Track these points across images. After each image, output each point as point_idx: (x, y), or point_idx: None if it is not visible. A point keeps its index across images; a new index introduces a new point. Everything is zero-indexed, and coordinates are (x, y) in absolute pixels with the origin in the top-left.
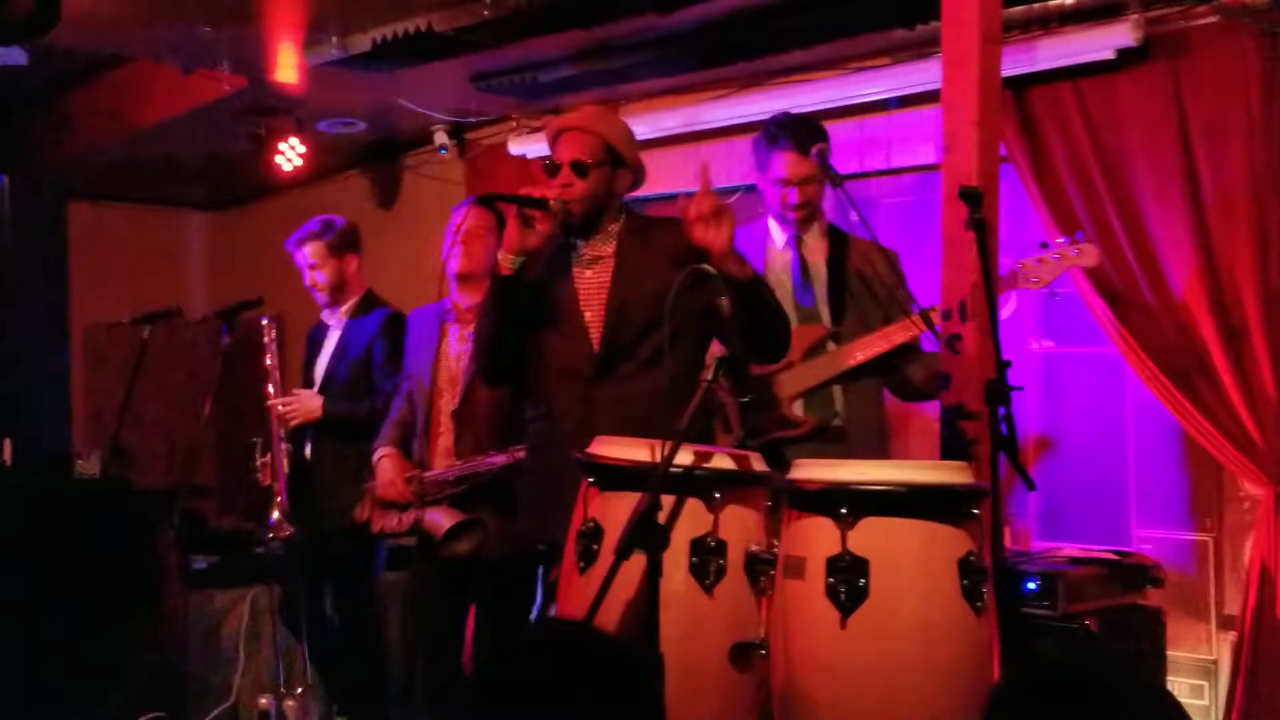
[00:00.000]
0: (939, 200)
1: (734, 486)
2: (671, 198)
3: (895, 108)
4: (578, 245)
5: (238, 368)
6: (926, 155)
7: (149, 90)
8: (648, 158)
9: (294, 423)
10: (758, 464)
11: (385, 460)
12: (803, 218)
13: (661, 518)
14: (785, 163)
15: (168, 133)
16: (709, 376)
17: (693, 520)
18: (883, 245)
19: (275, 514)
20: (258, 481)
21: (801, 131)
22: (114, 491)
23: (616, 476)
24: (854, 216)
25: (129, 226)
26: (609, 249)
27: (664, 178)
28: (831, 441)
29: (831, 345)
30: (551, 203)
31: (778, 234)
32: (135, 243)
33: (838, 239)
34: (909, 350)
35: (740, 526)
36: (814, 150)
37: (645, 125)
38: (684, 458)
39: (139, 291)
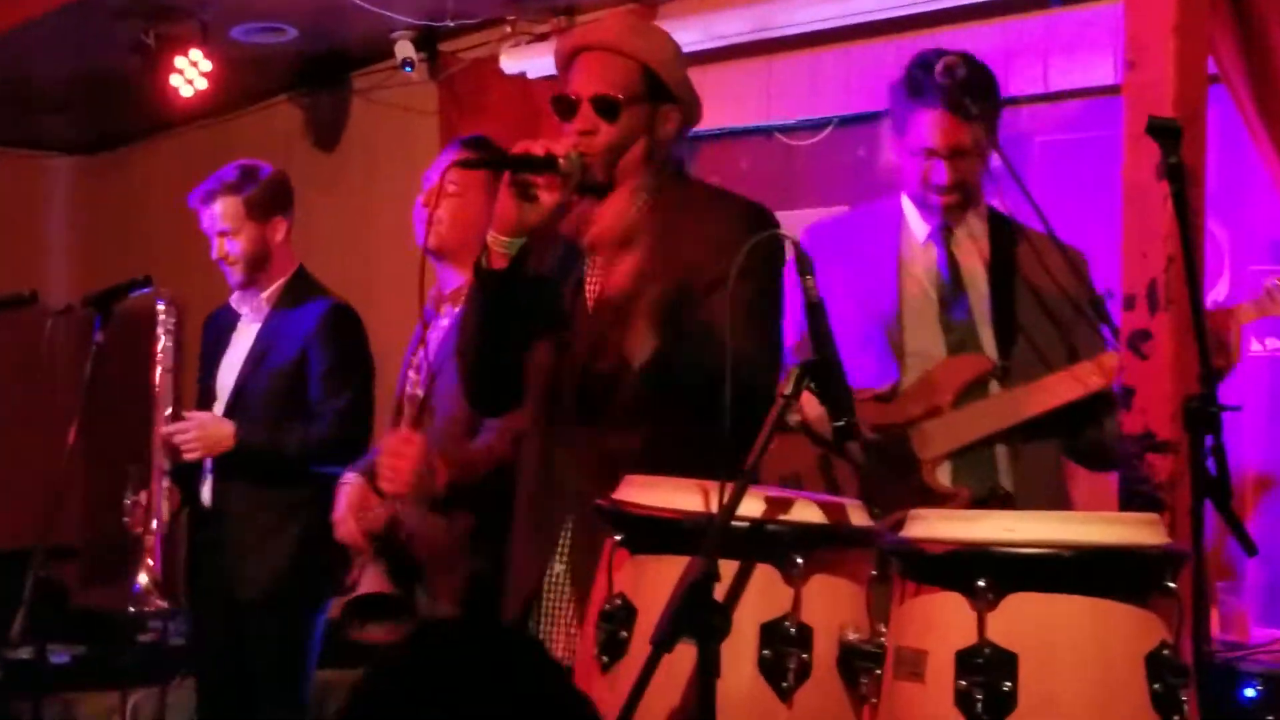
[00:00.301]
0: (1118, 138)
1: (823, 548)
2: (730, 134)
3: (1056, 5)
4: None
5: (116, 376)
6: (1101, 73)
7: None
8: (699, 77)
9: (193, 456)
10: (858, 515)
11: (343, 490)
12: (954, 203)
13: (719, 592)
14: (932, 125)
15: (18, 44)
16: (788, 390)
17: (764, 596)
18: (1063, 241)
19: (142, 577)
20: (126, 528)
21: (962, 84)
22: None
23: (655, 533)
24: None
25: None
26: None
27: (722, 106)
28: None
29: (995, 386)
30: (562, 160)
31: (918, 223)
32: None
33: (1002, 231)
34: (1103, 399)
35: (831, 605)
36: (976, 111)
37: (695, 32)
38: (752, 505)
39: None
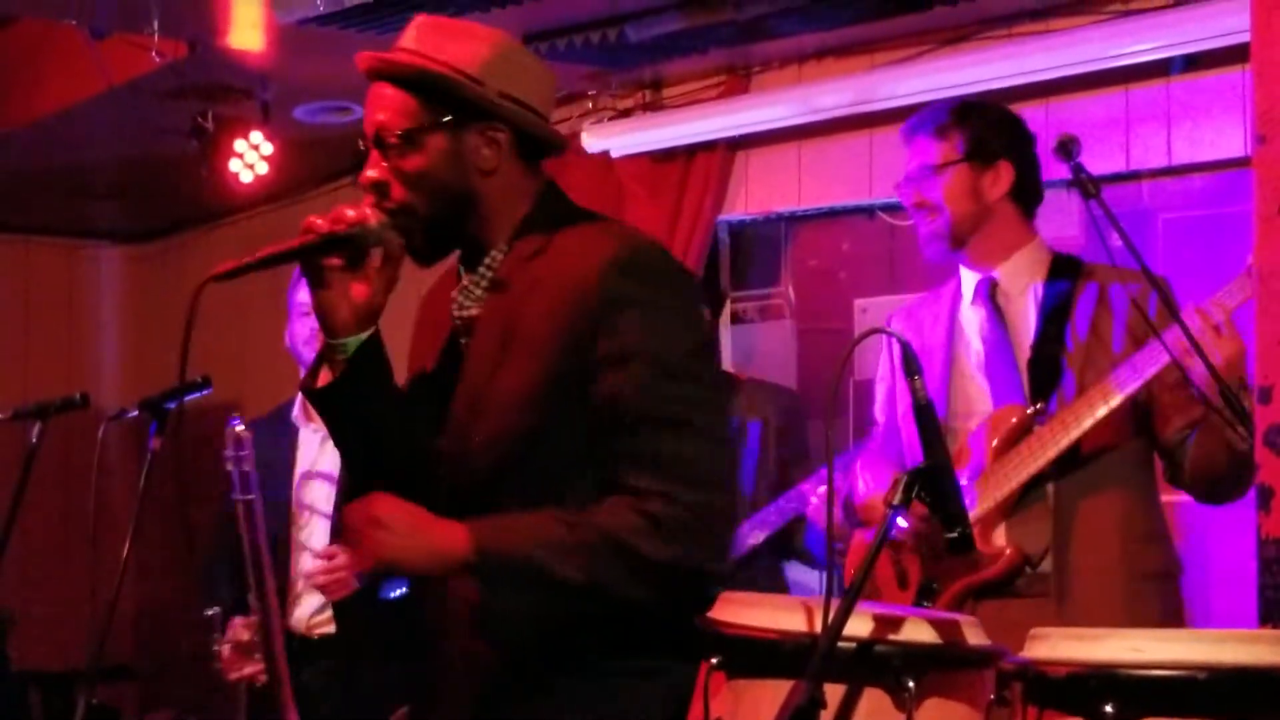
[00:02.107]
0: (1249, 217)
1: (937, 669)
2: (830, 214)
3: (1179, 72)
4: (462, 280)
5: (174, 484)
6: (1229, 145)
7: (39, 65)
8: (796, 153)
9: (338, 595)
10: (974, 634)
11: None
12: (942, 238)
13: None
14: (912, 152)
15: (68, 128)
16: (897, 499)
17: None
18: (1149, 269)
19: None
20: (221, 672)
21: (948, 111)
22: None
23: (753, 655)
24: (1115, 240)
25: (9, 268)
26: (474, 308)
27: (821, 184)
28: (1036, 586)
29: (1039, 429)
30: (354, 228)
31: (968, 281)
32: (16, 294)
33: (1063, 270)
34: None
35: None
36: (1056, 144)
37: (792, 106)
38: (860, 625)
39: (23, 369)
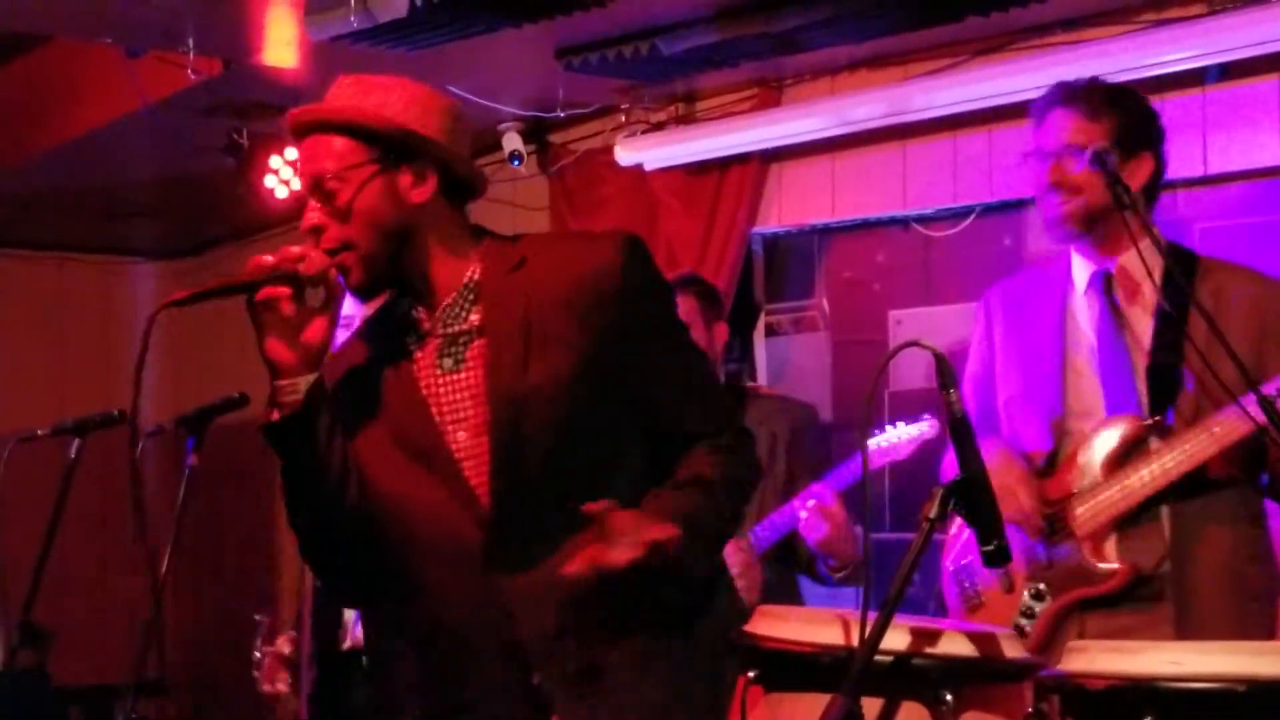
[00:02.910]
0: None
1: (975, 683)
2: (865, 225)
3: (1215, 81)
4: (416, 319)
5: (213, 501)
6: (1265, 154)
7: (75, 84)
8: (830, 165)
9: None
10: (1011, 646)
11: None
12: (1074, 221)
13: None
14: (1053, 126)
15: (103, 146)
16: (933, 513)
17: None
18: (1266, 275)
19: None
20: (255, 680)
21: (1097, 92)
22: (25, 690)
23: (791, 668)
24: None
25: (44, 286)
26: (472, 315)
27: (855, 195)
28: (1154, 601)
29: (1156, 442)
30: (298, 265)
31: (1080, 270)
32: (54, 311)
33: (1180, 266)
34: None
35: None
36: (1090, 153)
37: (826, 118)
38: (897, 638)
39: (62, 385)
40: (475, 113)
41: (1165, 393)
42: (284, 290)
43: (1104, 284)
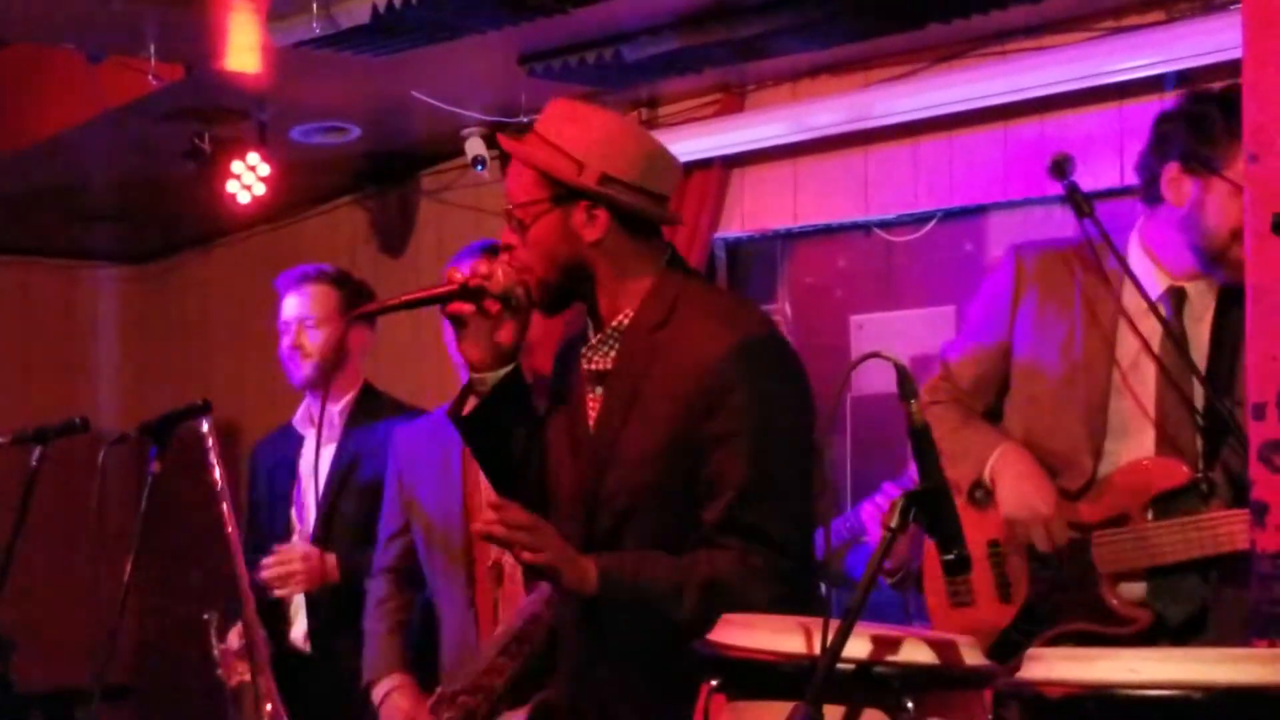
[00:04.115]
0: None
1: (935, 690)
2: (826, 231)
3: (1173, 88)
4: (588, 338)
5: (175, 507)
6: None
7: (36, 88)
8: (792, 171)
9: (289, 592)
10: (971, 654)
11: (393, 698)
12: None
13: None
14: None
15: (65, 150)
16: (893, 523)
17: None
18: None
19: None
20: (222, 680)
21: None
22: None
23: (753, 677)
24: (1111, 260)
25: (7, 290)
26: (609, 359)
27: (816, 201)
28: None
29: (1208, 501)
30: (485, 282)
31: (1149, 277)
32: (15, 315)
33: (1231, 301)
34: None
35: None
36: (1050, 163)
37: (786, 124)
38: (858, 646)
39: (23, 389)
40: (438, 118)
41: (1217, 442)
42: (469, 307)
43: (1176, 301)
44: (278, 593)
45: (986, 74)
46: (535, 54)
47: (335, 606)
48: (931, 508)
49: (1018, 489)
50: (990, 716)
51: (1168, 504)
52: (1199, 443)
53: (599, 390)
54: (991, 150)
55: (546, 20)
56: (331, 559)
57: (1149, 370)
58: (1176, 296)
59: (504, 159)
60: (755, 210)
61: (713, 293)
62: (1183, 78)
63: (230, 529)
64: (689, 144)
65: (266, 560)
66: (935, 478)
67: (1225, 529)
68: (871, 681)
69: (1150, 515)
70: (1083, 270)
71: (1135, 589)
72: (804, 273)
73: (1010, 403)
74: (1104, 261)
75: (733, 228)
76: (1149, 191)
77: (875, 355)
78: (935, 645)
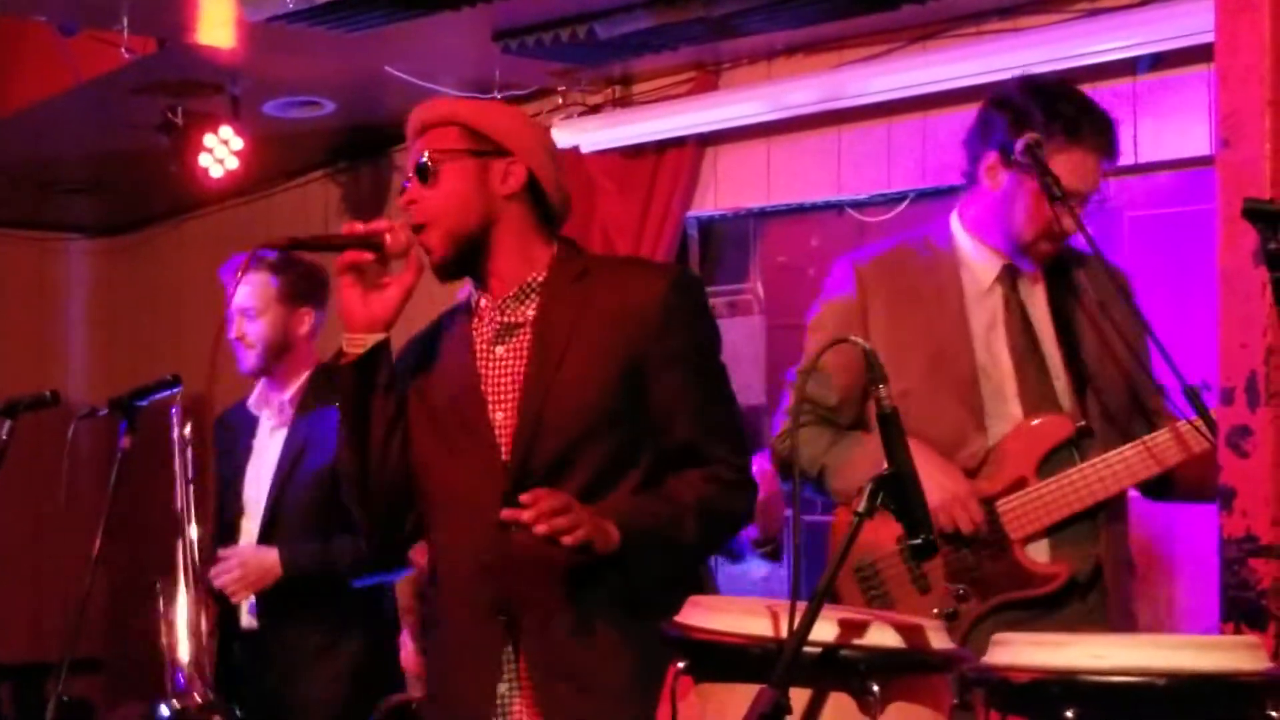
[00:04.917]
0: (1213, 215)
1: (902, 674)
2: (799, 210)
3: (1145, 71)
4: (480, 304)
5: (145, 482)
6: (1194, 144)
7: (8, 61)
8: (765, 150)
9: (239, 597)
10: (938, 637)
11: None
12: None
13: None
14: (1087, 170)
15: (37, 123)
16: (861, 507)
17: None
18: (1107, 260)
19: (195, 698)
20: (160, 649)
21: (1103, 122)
22: None
23: (720, 659)
24: (1080, 239)
25: None
26: (528, 310)
27: (790, 181)
28: (1086, 601)
29: (1077, 451)
30: (385, 235)
31: (979, 264)
32: None
33: (1056, 264)
34: None
35: None
36: (1021, 143)
37: (761, 103)
38: (825, 629)
39: None
40: (411, 93)
41: (1080, 395)
42: (367, 256)
43: (1010, 278)
44: (233, 599)
45: (961, 55)
46: (509, 30)
47: (279, 596)
48: (899, 492)
49: (926, 476)
50: (955, 701)
51: (1055, 459)
52: (1065, 403)
53: (502, 349)
54: (963, 132)
55: None
56: (272, 555)
57: (1000, 345)
58: (1010, 273)
59: (427, 127)
60: (728, 189)
61: (617, 257)
62: (1156, 60)
63: (180, 504)
64: (663, 122)
65: (213, 570)
66: (902, 461)
67: (1108, 471)
68: (838, 665)
69: (1039, 473)
70: (920, 264)
71: (1040, 548)
72: (777, 251)
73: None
74: (943, 251)
75: (706, 206)
76: (970, 171)
77: (844, 340)
78: (901, 629)
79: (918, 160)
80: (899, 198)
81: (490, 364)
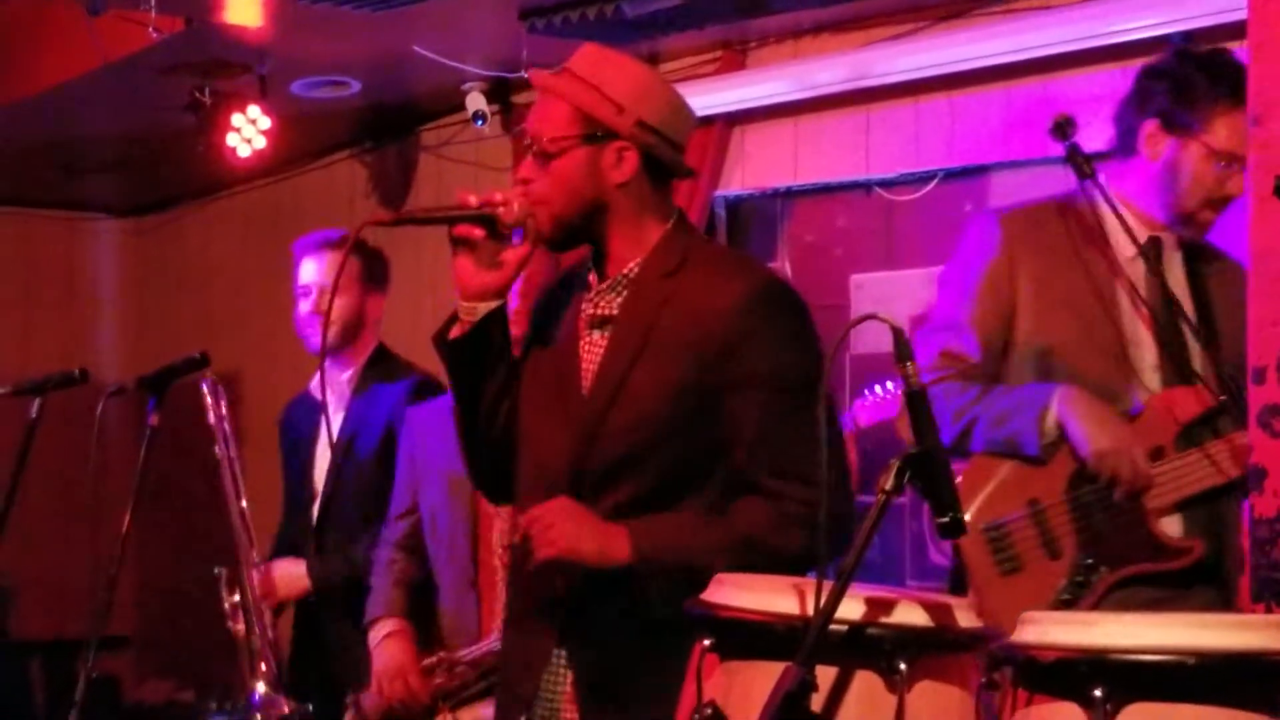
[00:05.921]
0: (1243, 198)
1: (929, 652)
2: (826, 189)
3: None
4: (589, 282)
5: (172, 460)
6: None
7: (37, 41)
8: (792, 129)
9: (273, 606)
10: (965, 616)
11: (389, 642)
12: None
13: (817, 702)
14: (1240, 131)
15: (65, 103)
16: (889, 484)
17: (866, 705)
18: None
19: (260, 685)
20: (231, 633)
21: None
22: None
23: (746, 637)
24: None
25: (7, 242)
26: (615, 304)
27: (817, 160)
28: (1212, 585)
29: (1227, 425)
30: (499, 209)
31: (1128, 237)
32: (15, 267)
33: (1194, 251)
34: None
35: (938, 714)
36: (1052, 124)
37: (788, 82)
38: (852, 608)
39: (22, 344)
40: (439, 73)
41: (1218, 369)
42: (479, 231)
43: (1155, 251)
44: (271, 607)
45: (989, 33)
46: (536, 9)
47: (312, 604)
48: (927, 471)
49: (1098, 422)
50: (983, 680)
51: (1193, 433)
52: (1204, 377)
53: (596, 335)
54: (993, 110)
55: None
56: (299, 570)
57: (1143, 315)
58: (1155, 246)
59: (506, 110)
60: (756, 168)
61: (720, 248)
62: (1188, 38)
63: (229, 489)
64: (689, 101)
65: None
66: (930, 440)
67: (1229, 458)
68: (864, 643)
69: (1178, 445)
70: (1065, 228)
71: (1171, 524)
72: (804, 231)
73: (1015, 366)
74: (1086, 215)
75: (733, 186)
76: (1124, 142)
77: (872, 317)
78: (929, 607)
79: (945, 139)
80: (927, 177)
81: (587, 348)
